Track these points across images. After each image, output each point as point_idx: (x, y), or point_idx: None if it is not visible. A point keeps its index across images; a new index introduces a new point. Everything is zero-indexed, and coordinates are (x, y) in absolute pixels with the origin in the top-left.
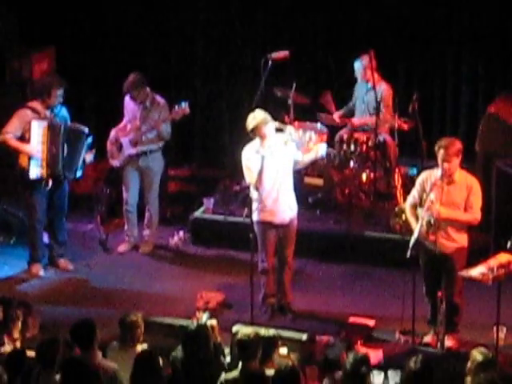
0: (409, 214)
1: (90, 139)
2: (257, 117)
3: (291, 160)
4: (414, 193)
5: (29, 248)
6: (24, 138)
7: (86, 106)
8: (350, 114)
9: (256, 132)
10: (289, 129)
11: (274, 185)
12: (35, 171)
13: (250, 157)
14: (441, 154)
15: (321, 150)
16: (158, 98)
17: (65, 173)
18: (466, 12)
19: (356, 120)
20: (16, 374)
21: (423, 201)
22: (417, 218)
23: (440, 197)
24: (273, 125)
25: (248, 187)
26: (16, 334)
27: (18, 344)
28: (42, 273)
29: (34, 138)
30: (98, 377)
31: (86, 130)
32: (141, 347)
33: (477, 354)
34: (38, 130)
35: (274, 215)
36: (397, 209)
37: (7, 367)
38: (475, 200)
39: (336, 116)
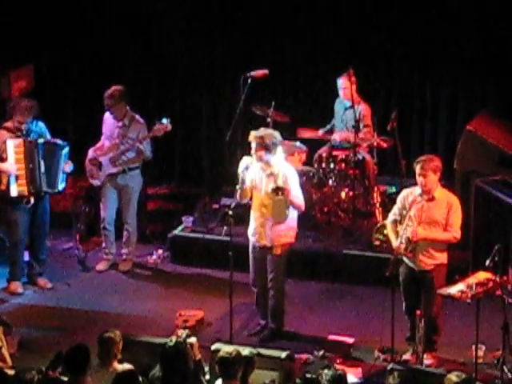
0: (389, 230)
1: (66, 149)
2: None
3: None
4: (395, 210)
5: (9, 265)
6: (1, 158)
7: (65, 123)
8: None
9: (275, 150)
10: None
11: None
12: (15, 189)
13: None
14: (417, 168)
15: None
16: (137, 117)
17: (45, 188)
18: (444, 30)
19: (337, 135)
20: None
21: (403, 218)
22: (397, 235)
23: (419, 214)
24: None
25: (226, 205)
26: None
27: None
28: (20, 290)
29: (10, 156)
30: None
31: (59, 141)
32: (121, 367)
33: (452, 377)
34: (13, 149)
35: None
36: (378, 225)
37: None
38: (455, 218)
39: (320, 132)
